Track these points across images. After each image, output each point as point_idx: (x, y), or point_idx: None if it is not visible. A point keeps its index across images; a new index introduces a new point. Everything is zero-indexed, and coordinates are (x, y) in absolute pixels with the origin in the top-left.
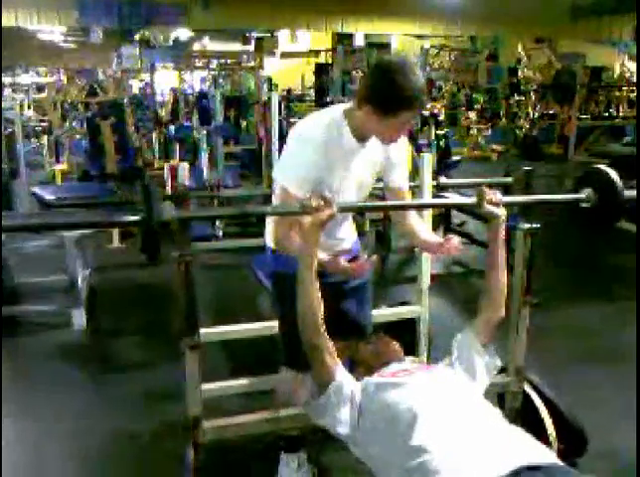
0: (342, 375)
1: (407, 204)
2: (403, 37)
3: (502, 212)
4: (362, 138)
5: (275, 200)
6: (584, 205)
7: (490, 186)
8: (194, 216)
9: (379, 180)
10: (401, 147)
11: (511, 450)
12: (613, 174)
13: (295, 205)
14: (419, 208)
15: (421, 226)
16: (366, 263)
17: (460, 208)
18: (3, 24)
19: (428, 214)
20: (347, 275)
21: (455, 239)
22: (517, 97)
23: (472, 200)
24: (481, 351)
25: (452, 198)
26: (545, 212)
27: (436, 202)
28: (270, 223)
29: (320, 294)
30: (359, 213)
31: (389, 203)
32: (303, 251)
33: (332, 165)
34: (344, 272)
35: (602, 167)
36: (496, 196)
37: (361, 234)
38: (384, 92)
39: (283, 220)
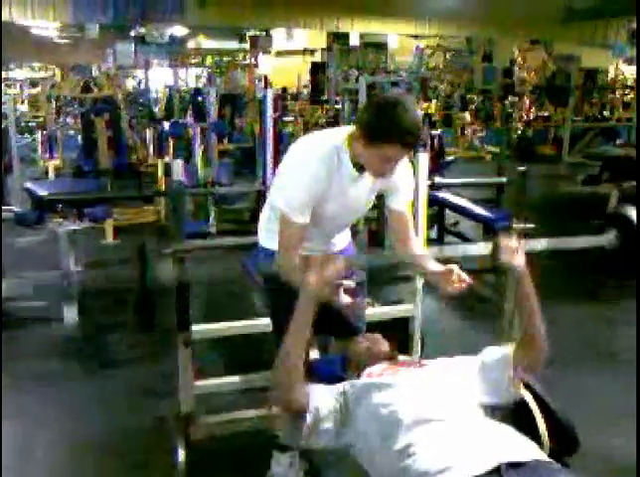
0: (315, 398)
1: (415, 255)
2: (399, 36)
3: (521, 262)
4: (361, 167)
5: (279, 225)
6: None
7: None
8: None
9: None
10: (405, 171)
11: (493, 447)
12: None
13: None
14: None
15: (427, 257)
16: (364, 303)
17: (471, 258)
18: None
19: (423, 213)
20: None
21: (455, 270)
22: (511, 99)
23: (486, 249)
24: (509, 373)
25: (464, 247)
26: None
27: (444, 253)
28: (264, 223)
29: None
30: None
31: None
32: (300, 315)
33: (330, 191)
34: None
35: (626, 211)
36: (513, 244)
37: (354, 232)
38: (371, 122)
39: (287, 250)
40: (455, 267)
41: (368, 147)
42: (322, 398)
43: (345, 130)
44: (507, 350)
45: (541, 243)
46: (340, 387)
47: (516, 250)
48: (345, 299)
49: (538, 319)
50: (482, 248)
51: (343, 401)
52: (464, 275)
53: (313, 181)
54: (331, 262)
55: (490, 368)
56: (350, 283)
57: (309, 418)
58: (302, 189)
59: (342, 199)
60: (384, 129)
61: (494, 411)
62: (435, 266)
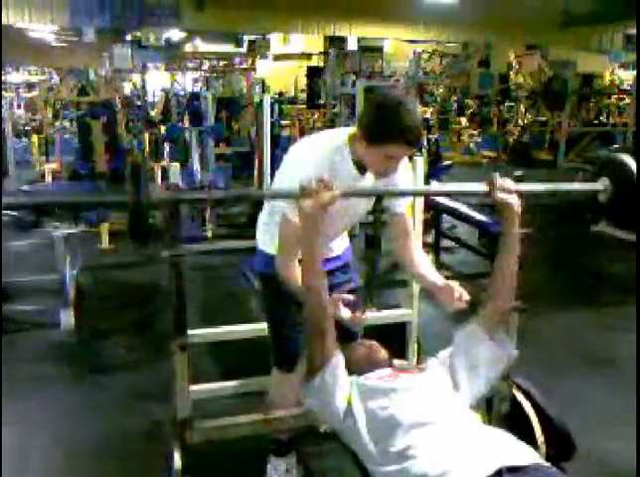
0: (338, 359)
1: (411, 190)
2: (396, 41)
3: (515, 200)
4: (363, 168)
5: (279, 226)
6: (600, 197)
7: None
8: (184, 198)
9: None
10: (405, 175)
11: (492, 452)
12: (632, 165)
13: (295, 190)
14: (427, 194)
15: (427, 266)
16: (361, 317)
17: (469, 195)
18: None
19: (419, 217)
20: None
21: (454, 286)
22: (508, 103)
23: (482, 188)
24: (486, 340)
25: (461, 185)
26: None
27: (444, 190)
28: (263, 226)
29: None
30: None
31: (393, 189)
32: (306, 233)
33: None
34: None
35: (621, 156)
36: (508, 183)
37: (351, 237)
38: (371, 121)
39: (286, 250)
40: (455, 284)
41: (370, 147)
42: (342, 365)
43: (345, 131)
44: (472, 325)
45: (536, 187)
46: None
47: (510, 190)
48: (345, 313)
49: (513, 259)
50: (478, 186)
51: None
52: (463, 292)
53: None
54: (326, 186)
55: (470, 347)
56: (349, 297)
57: (327, 372)
58: None
59: (343, 201)
60: (386, 129)
61: (492, 417)
62: (436, 279)
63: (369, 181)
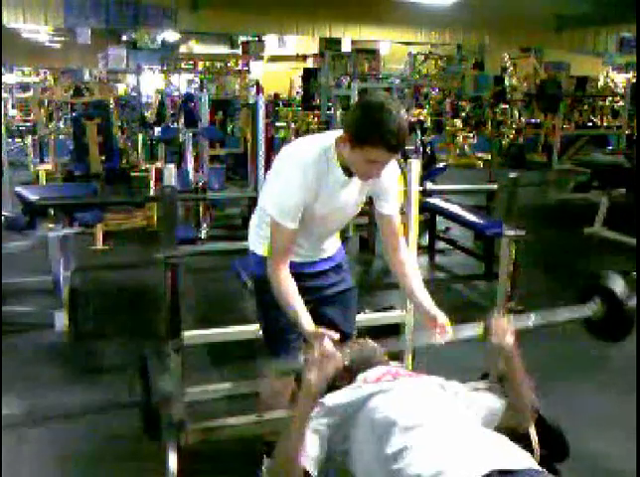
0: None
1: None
2: (391, 43)
3: (511, 341)
4: (350, 171)
5: (270, 230)
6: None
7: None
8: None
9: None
10: (393, 175)
11: (485, 455)
12: (619, 286)
13: (298, 362)
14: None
15: (416, 279)
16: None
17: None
18: None
19: (414, 220)
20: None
21: (439, 322)
22: (502, 106)
23: (477, 330)
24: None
25: (455, 329)
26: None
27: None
28: (255, 229)
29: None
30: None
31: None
32: (303, 405)
33: (320, 195)
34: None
35: (607, 278)
36: (503, 325)
37: (345, 239)
38: (356, 123)
39: (277, 253)
40: (441, 319)
41: (354, 150)
42: (313, 451)
43: (333, 134)
44: (501, 405)
45: (529, 320)
46: (324, 420)
47: (505, 331)
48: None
49: (528, 394)
50: (473, 329)
51: (332, 431)
52: (447, 329)
53: (303, 186)
54: (330, 358)
55: (481, 412)
56: (332, 335)
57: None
58: (292, 194)
59: (332, 203)
60: (367, 132)
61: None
62: (423, 300)
63: (356, 184)
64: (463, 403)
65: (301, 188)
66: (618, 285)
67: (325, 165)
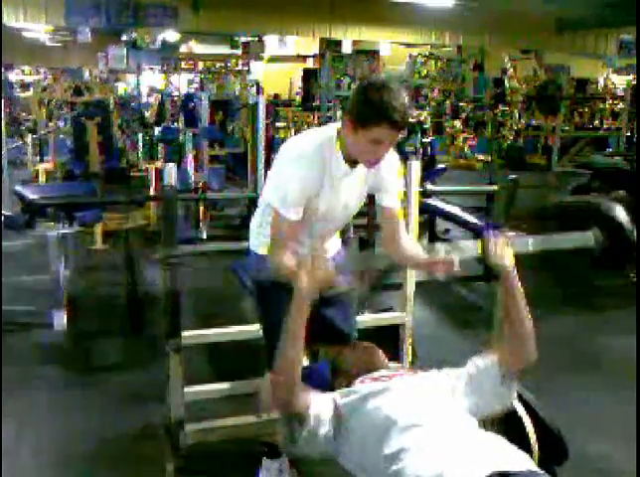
0: (316, 404)
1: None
2: (392, 45)
3: (509, 262)
4: (352, 161)
5: (271, 222)
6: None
7: (496, 227)
8: None
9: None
10: (393, 167)
11: (485, 457)
12: (622, 215)
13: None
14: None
15: (415, 248)
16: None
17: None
18: None
19: (414, 221)
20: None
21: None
22: (502, 108)
23: (475, 249)
24: (498, 379)
25: (453, 245)
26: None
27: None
28: (256, 228)
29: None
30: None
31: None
32: (296, 309)
33: (323, 186)
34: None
35: (610, 206)
36: (501, 245)
37: (345, 239)
38: (357, 105)
39: (279, 247)
40: (442, 254)
41: (357, 132)
42: (322, 406)
43: (334, 126)
44: (492, 357)
45: (528, 242)
46: (332, 398)
47: (503, 250)
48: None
49: (525, 318)
50: (471, 247)
51: (336, 415)
52: (450, 258)
53: (306, 177)
54: (322, 261)
55: (478, 379)
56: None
57: (311, 423)
58: (296, 185)
59: (334, 194)
60: (370, 111)
61: (485, 421)
62: (423, 255)
63: (358, 175)
64: (463, 399)
65: (303, 179)
66: (619, 213)
67: (328, 155)
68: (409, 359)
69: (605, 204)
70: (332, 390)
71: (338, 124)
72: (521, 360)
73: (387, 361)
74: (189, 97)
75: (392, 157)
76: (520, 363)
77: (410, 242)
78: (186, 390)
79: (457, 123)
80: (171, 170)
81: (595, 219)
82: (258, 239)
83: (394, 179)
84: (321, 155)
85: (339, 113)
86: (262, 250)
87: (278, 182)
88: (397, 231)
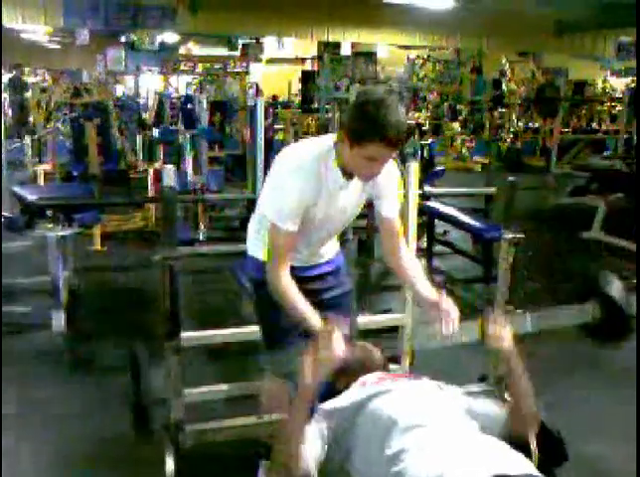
0: (308, 456)
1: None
2: (390, 47)
3: (509, 345)
4: (349, 173)
5: (268, 233)
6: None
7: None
8: None
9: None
10: (392, 176)
11: (484, 459)
12: (618, 290)
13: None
14: None
15: (419, 277)
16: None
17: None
18: None
19: (413, 223)
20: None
21: (450, 308)
22: (500, 110)
23: (476, 333)
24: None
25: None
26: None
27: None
28: (253, 233)
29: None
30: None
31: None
32: (303, 389)
33: (319, 198)
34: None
35: (607, 281)
36: (500, 328)
37: (343, 242)
38: (353, 120)
39: (276, 258)
40: (445, 305)
41: (352, 148)
42: (314, 451)
43: (331, 137)
44: (501, 412)
45: (527, 321)
46: (319, 429)
47: (503, 334)
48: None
49: (529, 397)
50: (473, 332)
51: (333, 434)
52: (452, 315)
53: (302, 189)
54: (328, 341)
55: (483, 421)
56: (343, 326)
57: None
58: (291, 197)
59: (331, 206)
60: (365, 128)
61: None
62: (429, 293)
63: (355, 186)
64: (462, 408)
65: (300, 191)
66: (616, 288)
67: (324, 167)
68: (408, 360)
69: (603, 278)
70: (332, 390)
71: (334, 135)
72: (522, 428)
73: (386, 361)
74: (188, 99)
75: (391, 167)
76: (520, 430)
77: (411, 262)
78: (186, 391)
79: (455, 125)
80: (170, 171)
81: (593, 292)
82: (256, 245)
83: (393, 187)
84: (317, 167)
85: (337, 115)
86: (261, 255)
87: (274, 194)
88: (397, 248)
